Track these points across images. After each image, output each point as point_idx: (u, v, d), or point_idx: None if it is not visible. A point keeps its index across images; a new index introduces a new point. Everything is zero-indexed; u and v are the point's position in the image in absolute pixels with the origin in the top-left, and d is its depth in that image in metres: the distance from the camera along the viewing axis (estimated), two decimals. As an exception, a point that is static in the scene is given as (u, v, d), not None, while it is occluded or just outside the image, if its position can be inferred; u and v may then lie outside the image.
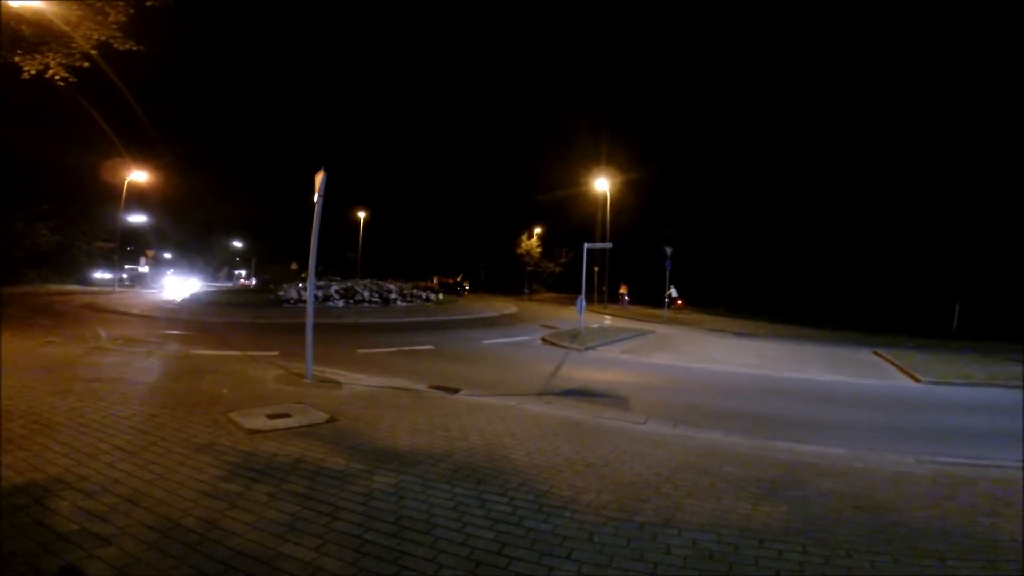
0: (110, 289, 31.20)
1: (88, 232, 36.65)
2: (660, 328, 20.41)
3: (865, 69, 39.00)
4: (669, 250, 24.64)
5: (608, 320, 23.82)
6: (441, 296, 30.58)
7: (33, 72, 7.84)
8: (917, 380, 10.89)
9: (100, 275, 36.38)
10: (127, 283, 37.82)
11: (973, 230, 30.36)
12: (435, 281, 37.98)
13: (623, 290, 35.47)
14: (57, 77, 8.04)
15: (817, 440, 5.99)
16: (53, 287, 29.62)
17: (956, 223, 30.86)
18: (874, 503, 3.99)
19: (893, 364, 12.85)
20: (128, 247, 38.62)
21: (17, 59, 7.71)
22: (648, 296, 34.87)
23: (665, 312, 26.08)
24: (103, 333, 11.99)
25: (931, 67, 35.22)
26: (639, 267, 37.41)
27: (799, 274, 37.00)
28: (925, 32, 36.41)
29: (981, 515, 3.85)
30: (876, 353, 14.88)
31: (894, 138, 34.34)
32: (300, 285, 23.89)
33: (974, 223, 30.33)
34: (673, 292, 35.04)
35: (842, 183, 35.24)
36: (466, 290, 43.05)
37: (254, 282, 52.33)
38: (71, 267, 35.81)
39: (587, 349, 13.14)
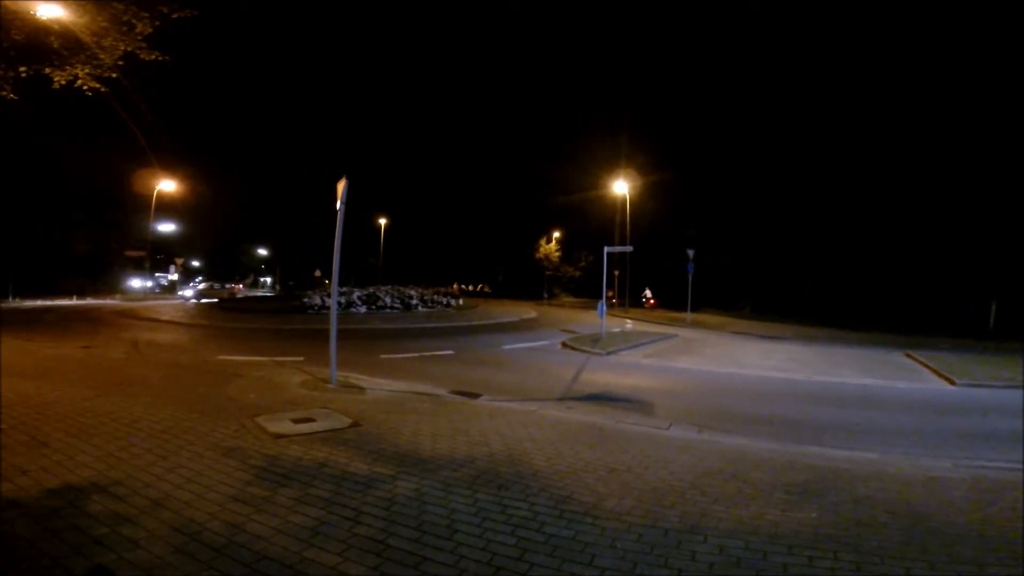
0: (142, 295, 32.00)
1: (119, 240, 37.71)
2: (683, 332, 20.15)
3: (891, 57, 37.98)
4: (691, 252, 24.27)
5: (630, 324, 23.62)
6: (462, 302, 30.71)
7: (63, 82, 8.15)
8: (953, 383, 10.54)
9: (139, 283, 37.37)
10: (155, 291, 38.74)
11: (1012, 223, 29.17)
12: (456, 287, 38.31)
13: (610, 294, 35.77)
14: (86, 87, 8.33)
15: (849, 445, 5.83)
16: (94, 301, 29.79)
17: (993, 217, 29.71)
18: (909, 509, 3.86)
19: (927, 366, 12.46)
20: (158, 255, 39.66)
21: (47, 70, 8.02)
22: (671, 299, 34.56)
23: (688, 315, 25.74)
24: (136, 339, 12.33)
25: (966, 52, 34.05)
26: (660, 269, 37.10)
27: (828, 274, 36.09)
28: (943, 22, 35.34)
29: (1022, 520, 3.69)
30: (909, 355, 14.43)
31: (926, 129, 33.33)
32: (324, 293, 24.25)
33: (1012, 216, 29.14)
34: (648, 293, 35.59)
35: (875, 178, 34.27)
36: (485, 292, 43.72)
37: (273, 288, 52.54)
38: (104, 275, 36.93)
39: (608, 353, 13.03)
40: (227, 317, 20.99)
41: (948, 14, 34.17)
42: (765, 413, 7.61)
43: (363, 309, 23.42)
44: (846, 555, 3.09)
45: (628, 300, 35.09)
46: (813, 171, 35.69)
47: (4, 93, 8.07)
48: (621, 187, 32.30)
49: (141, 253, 36.77)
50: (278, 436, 4.94)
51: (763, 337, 19.60)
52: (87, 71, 8.20)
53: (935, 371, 11.77)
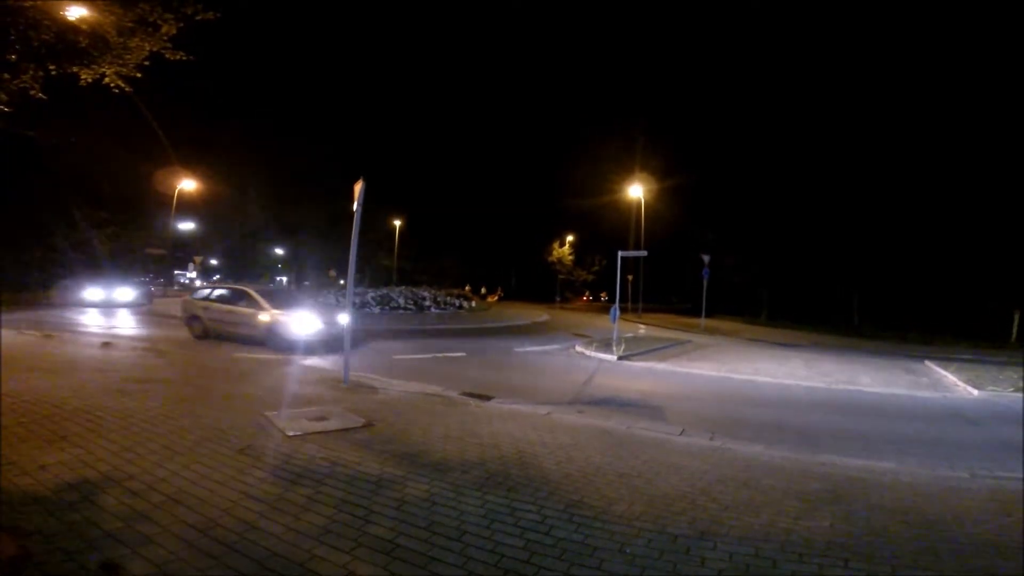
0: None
1: (139, 238, 38.12)
2: (697, 338, 20.01)
3: (914, 67, 37.52)
4: (707, 258, 24.11)
5: (643, 329, 23.50)
6: (474, 304, 30.79)
7: (90, 80, 8.41)
8: (972, 392, 10.34)
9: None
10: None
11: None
12: (468, 289, 38.54)
13: (587, 296, 36.61)
14: (113, 85, 8.58)
15: (865, 454, 5.75)
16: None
17: (1017, 225, 29.05)
18: (923, 519, 3.80)
19: (947, 375, 12.24)
20: (177, 254, 40.16)
21: (75, 68, 8.27)
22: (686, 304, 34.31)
23: (703, 321, 25.55)
24: (154, 336, 12.53)
25: (987, 62, 33.46)
26: (674, 274, 36.88)
27: (846, 281, 35.55)
28: (977, 26, 34.75)
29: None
30: (928, 363, 14.20)
31: (941, 138, 32.75)
32: (339, 292, 24.47)
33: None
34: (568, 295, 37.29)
35: (895, 184, 33.70)
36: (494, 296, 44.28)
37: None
38: (125, 274, 37.39)
39: (621, 358, 12.98)
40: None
41: (985, 15, 33.63)
42: (779, 420, 7.53)
43: (376, 310, 23.58)
44: (857, 564, 3.05)
45: (642, 305, 34.93)
46: (832, 175, 35.22)
47: (33, 92, 8.31)
48: (636, 191, 32.13)
49: (162, 251, 37.31)
50: (292, 435, 5.00)
51: (779, 344, 19.39)
52: (113, 70, 8.44)
53: (955, 379, 11.56)
